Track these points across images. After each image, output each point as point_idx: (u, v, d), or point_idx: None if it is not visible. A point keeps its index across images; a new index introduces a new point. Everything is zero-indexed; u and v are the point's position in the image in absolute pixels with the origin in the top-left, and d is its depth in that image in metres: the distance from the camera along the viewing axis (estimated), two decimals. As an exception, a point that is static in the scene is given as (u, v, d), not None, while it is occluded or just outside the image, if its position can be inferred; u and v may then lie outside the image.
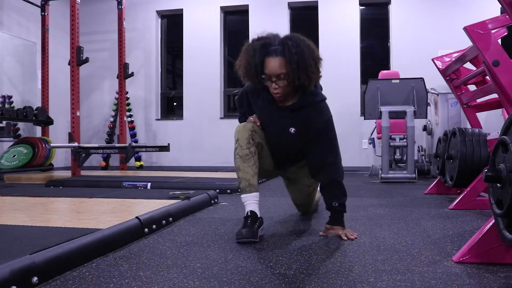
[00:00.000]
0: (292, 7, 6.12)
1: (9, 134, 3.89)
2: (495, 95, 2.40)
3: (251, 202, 1.73)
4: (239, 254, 1.45)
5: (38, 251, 1.21)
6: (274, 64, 1.62)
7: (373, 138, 5.00)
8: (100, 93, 6.53)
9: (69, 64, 4.50)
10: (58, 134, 5.64)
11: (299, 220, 2.07)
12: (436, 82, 4.40)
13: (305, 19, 6.19)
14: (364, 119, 4.40)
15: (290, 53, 1.59)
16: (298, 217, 2.14)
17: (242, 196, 1.75)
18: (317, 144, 1.78)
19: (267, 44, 1.64)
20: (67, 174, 4.52)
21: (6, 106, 4.90)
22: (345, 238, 1.66)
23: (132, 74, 5.61)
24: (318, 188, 2.15)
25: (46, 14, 5.26)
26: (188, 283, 1.15)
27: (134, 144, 5.24)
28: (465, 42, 2.22)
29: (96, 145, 4.92)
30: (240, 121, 1.96)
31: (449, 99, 4.43)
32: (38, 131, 5.29)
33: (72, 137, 4.42)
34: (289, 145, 1.84)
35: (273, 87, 1.67)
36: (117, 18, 5.52)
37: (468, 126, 2.90)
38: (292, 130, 1.77)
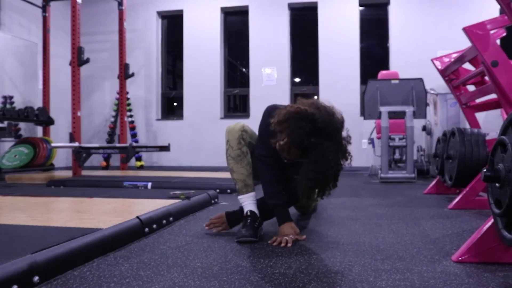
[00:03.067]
0: (292, 8, 6.12)
1: (10, 134, 3.90)
2: (494, 96, 2.41)
3: (249, 202, 1.73)
4: (239, 253, 1.46)
5: (39, 251, 1.21)
6: (292, 151, 1.53)
7: (373, 138, 5.00)
8: (100, 94, 6.53)
9: (70, 64, 4.51)
10: (59, 134, 5.65)
11: (298, 220, 2.08)
12: (435, 83, 4.41)
13: (305, 20, 6.19)
14: (364, 119, 4.41)
15: (308, 164, 1.49)
16: (298, 217, 2.15)
17: (240, 197, 1.76)
18: None
19: (308, 133, 1.47)
20: (68, 174, 4.53)
21: (8, 106, 4.91)
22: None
23: (132, 75, 5.62)
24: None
25: (47, 14, 5.27)
26: (189, 283, 1.15)
27: (134, 144, 5.25)
28: (464, 43, 2.22)
29: (97, 145, 4.93)
30: (268, 161, 1.73)
31: (448, 99, 4.44)
32: (39, 131, 5.30)
33: (73, 137, 4.43)
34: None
35: (283, 157, 1.60)
36: (117, 18, 5.53)
37: (467, 126, 2.91)
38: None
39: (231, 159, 1.75)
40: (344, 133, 1.58)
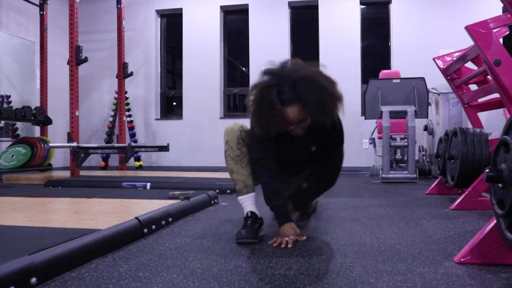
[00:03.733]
0: (292, 7, 6.11)
1: (8, 134, 3.88)
2: (496, 95, 2.40)
3: (249, 203, 1.72)
4: (239, 254, 1.45)
5: (37, 252, 1.20)
6: (293, 114, 1.50)
7: (374, 138, 4.99)
8: (99, 93, 6.52)
9: (68, 63, 4.49)
10: (57, 134, 5.63)
11: (298, 221, 2.06)
12: (437, 82, 4.40)
13: (305, 19, 6.18)
14: (365, 119, 4.39)
15: (305, 98, 1.47)
16: (298, 218, 2.13)
17: (240, 198, 1.74)
18: (326, 158, 1.80)
19: (280, 92, 1.48)
20: (66, 174, 4.51)
21: (5, 105, 4.88)
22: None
23: (131, 74, 5.60)
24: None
25: (45, 13, 5.24)
26: (188, 284, 1.14)
27: (133, 144, 5.24)
28: (466, 42, 2.21)
29: (95, 145, 4.91)
30: (265, 164, 1.69)
31: (450, 99, 4.42)
32: (36, 131, 5.28)
33: (71, 137, 4.41)
34: (305, 162, 1.81)
35: (294, 131, 1.58)
36: (116, 17, 5.51)
37: (469, 126, 2.90)
38: (314, 148, 1.74)
39: (230, 160, 1.74)
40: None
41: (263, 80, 1.54)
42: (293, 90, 1.48)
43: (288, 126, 1.55)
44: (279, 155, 1.75)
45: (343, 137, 1.79)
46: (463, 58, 2.60)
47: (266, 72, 1.55)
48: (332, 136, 1.74)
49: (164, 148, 4.62)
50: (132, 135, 6.13)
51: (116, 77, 5.58)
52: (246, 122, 1.80)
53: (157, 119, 6.35)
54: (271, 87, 1.50)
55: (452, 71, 2.89)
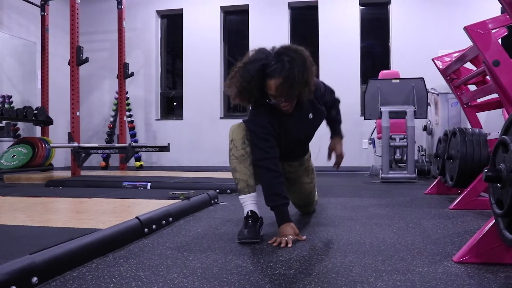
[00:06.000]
0: (292, 7, 6.12)
1: (9, 134, 3.89)
2: (495, 95, 2.41)
3: (250, 202, 1.72)
4: (239, 254, 1.45)
5: (38, 251, 1.21)
6: (275, 85, 1.58)
7: (373, 138, 4.99)
8: (100, 93, 6.52)
9: (69, 64, 4.50)
10: (58, 134, 5.64)
11: (299, 220, 2.07)
12: (436, 82, 4.40)
13: (305, 19, 6.18)
14: (364, 119, 4.40)
15: (290, 71, 1.55)
16: (298, 217, 2.14)
17: (241, 197, 1.75)
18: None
19: (265, 65, 1.59)
20: (67, 174, 4.52)
21: (6, 106, 4.89)
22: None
23: (132, 74, 5.61)
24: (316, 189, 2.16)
25: (46, 14, 5.25)
26: (188, 283, 1.15)
27: (134, 144, 5.24)
28: (466, 42, 2.21)
29: (96, 145, 4.92)
30: (266, 165, 1.70)
31: (449, 99, 4.43)
32: (38, 131, 5.29)
33: (71, 137, 4.42)
34: (306, 133, 1.86)
35: (282, 106, 1.65)
36: (117, 18, 5.52)
37: (469, 126, 2.90)
38: (310, 115, 1.80)
39: (234, 159, 1.74)
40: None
41: (250, 55, 1.65)
42: (277, 63, 1.57)
43: (273, 100, 1.63)
44: (281, 142, 1.78)
45: (333, 91, 1.95)
46: (462, 58, 2.61)
47: (256, 49, 1.66)
48: (324, 97, 1.86)
49: (165, 148, 4.62)
50: (133, 135, 6.14)
51: (117, 77, 5.59)
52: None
53: (157, 119, 6.36)
54: (256, 61, 1.60)
55: (451, 72, 2.90)
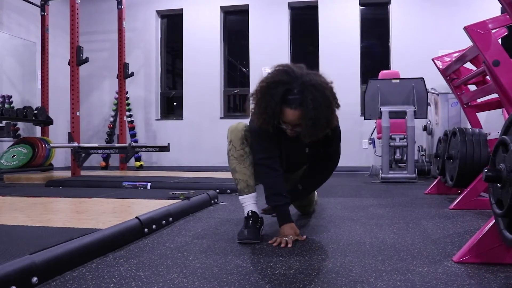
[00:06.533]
0: (292, 7, 6.12)
1: (9, 134, 3.89)
2: (495, 95, 2.41)
3: (250, 202, 1.73)
4: (239, 254, 1.45)
5: (38, 251, 1.21)
6: (292, 116, 1.53)
7: (373, 138, 4.99)
8: (100, 93, 6.52)
9: (69, 64, 4.50)
10: (58, 134, 5.64)
11: (299, 220, 2.07)
12: (436, 82, 4.40)
13: (305, 19, 6.18)
14: (364, 119, 4.40)
15: (308, 108, 1.49)
16: (298, 217, 2.14)
17: (241, 197, 1.75)
18: (321, 161, 1.83)
19: (287, 91, 1.51)
20: (67, 174, 4.52)
21: (6, 106, 4.89)
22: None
23: (132, 74, 5.61)
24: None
25: (46, 14, 5.25)
26: (188, 283, 1.15)
27: (134, 144, 5.24)
28: (466, 42, 2.21)
29: (96, 145, 4.92)
30: (267, 164, 1.70)
31: (449, 99, 4.43)
32: (38, 131, 5.29)
33: (71, 137, 4.42)
34: (297, 161, 1.85)
35: (289, 132, 1.62)
36: (117, 18, 5.52)
37: (469, 126, 2.90)
38: (307, 150, 1.76)
39: (233, 159, 1.74)
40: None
41: (275, 74, 1.56)
42: (301, 95, 1.51)
43: (283, 124, 1.59)
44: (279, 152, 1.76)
45: (339, 142, 1.80)
46: (462, 58, 2.61)
47: (281, 68, 1.57)
48: (327, 142, 1.75)
49: (165, 148, 4.62)
50: (133, 135, 6.14)
51: (117, 77, 5.59)
52: (246, 122, 1.81)
53: (157, 119, 6.36)
54: (280, 84, 1.52)
55: (451, 72, 2.90)
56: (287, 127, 1.59)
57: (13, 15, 5.40)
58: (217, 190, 2.91)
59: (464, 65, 2.83)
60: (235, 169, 1.74)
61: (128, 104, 6.10)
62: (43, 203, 2.38)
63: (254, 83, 6.31)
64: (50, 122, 5.08)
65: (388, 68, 5.68)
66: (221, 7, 6.21)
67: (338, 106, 1.58)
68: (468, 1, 5.49)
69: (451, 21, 5.40)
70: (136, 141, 6.09)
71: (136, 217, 1.75)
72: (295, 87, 1.52)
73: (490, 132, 2.75)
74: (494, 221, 1.28)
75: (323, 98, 1.51)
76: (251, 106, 1.61)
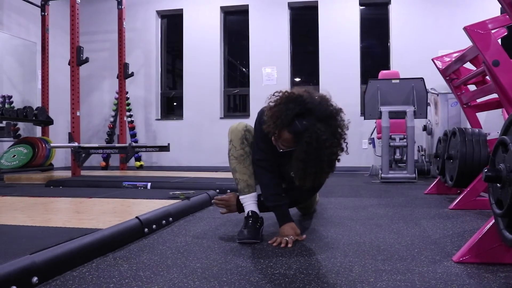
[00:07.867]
0: (292, 7, 6.12)
1: (9, 134, 3.89)
2: (495, 95, 2.41)
3: (250, 202, 1.73)
4: (239, 254, 1.45)
5: (38, 251, 1.21)
6: (285, 136, 1.50)
7: (373, 138, 5.00)
8: (100, 93, 6.53)
9: (69, 64, 4.50)
10: (58, 134, 5.64)
11: (299, 220, 2.07)
12: (436, 82, 4.40)
13: (305, 19, 6.19)
14: (364, 119, 4.40)
15: (301, 146, 1.44)
16: (299, 217, 2.14)
17: (241, 197, 1.75)
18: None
19: (298, 115, 1.45)
20: (67, 174, 4.52)
21: (6, 106, 4.90)
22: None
23: (132, 74, 5.61)
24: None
25: (46, 14, 5.25)
26: (188, 283, 1.15)
27: (134, 144, 5.24)
28: (465, 42, 2.21)
29: (96, 145, 4.92)
30: (266, 166, 1.71)
31: (449, 99, 4.43)
32: (38, 131, 5.29)
33: (72, 137, 4.42)
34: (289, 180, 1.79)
35: (274, 142, 1.57)
36: (117, 18, 5.52)
37: (468, 126, 2.90)
38: (292, 174, 1.67)
39: (234, 159, 1.74)
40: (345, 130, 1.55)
41: (298, 95, 1.49)
42: (306, 122, 1.45)
43: (274, 138, 1.54)
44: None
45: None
46: (462, 58, 2.61)
47: (305, 93, 1.50)
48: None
49: (165, 148, 4.62)
50: (133, 135, 6.14)
51: (117, 77, 5.59)
52: (248, 122, 1.81)
53: (157, 119, 6.36)
54: (297, 105, 1.46)
55: (451, 72, 2.90)
56: (277, 142, 1.54)
57: (13, 15, 5.40)
58: (217, 190, 2.91)
59: (464, 65, 2.83)
60: (235, 169, 1.75)
61: (128, 104, 6.10)
62: (43, 203, 2.38)
63: (254, 83, 6.32)
64: (50, 122, 5.08)
65: (388, 68, 5.69)
66: (221, 7, 6.21)
67: (342, 149, 1.52)
68: (468, 1, 5.49)
69: (451, 21, 5.40)
70: (136, 141, 6.09)
71: (136, 217, 1.75)
72: (306, 114, 1.46)
73: (490, 132, 2.75)
74: (493, 221, 1.28)
75: (325, 143, 1.44)
76: (270, 104, 1.55)
